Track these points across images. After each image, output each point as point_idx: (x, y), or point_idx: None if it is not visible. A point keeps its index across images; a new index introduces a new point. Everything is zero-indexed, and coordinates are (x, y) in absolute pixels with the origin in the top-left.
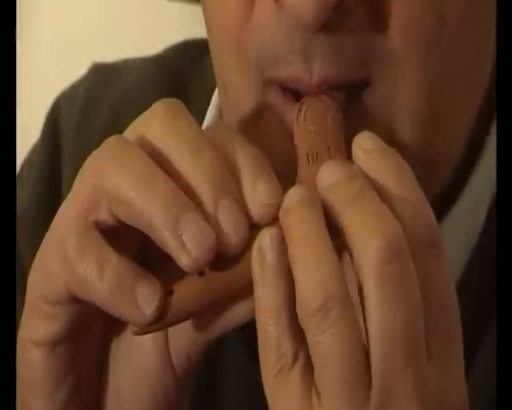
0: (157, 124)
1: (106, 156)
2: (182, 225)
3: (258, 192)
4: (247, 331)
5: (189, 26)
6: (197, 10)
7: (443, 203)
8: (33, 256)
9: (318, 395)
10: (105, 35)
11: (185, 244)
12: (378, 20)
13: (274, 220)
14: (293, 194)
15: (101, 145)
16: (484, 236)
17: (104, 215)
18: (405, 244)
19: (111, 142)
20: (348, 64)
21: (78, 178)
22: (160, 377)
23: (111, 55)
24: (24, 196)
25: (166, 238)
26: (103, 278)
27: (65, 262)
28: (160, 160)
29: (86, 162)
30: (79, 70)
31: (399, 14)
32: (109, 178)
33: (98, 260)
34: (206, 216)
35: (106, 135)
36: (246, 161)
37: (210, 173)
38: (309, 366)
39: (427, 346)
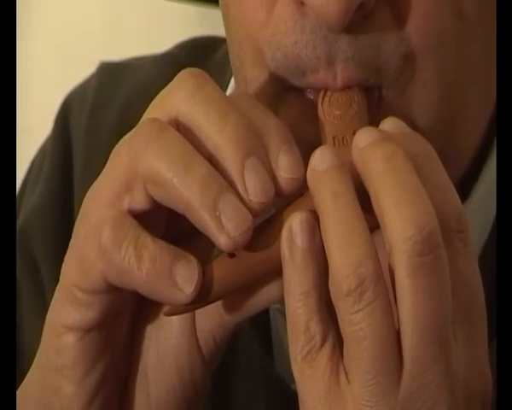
0: (184, 90)
1: (142, 138)
2: (220, 206)
3: (280, 165)
4: (261, 328)
5: (189, 26)
6: (197, 10)
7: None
8: (45, 251)
9: (346, 374)
10: (104, 35)
11: (224, 225)
12: (397, 19)
13: (299, 190)
14: (322, 156)
15: (136, 127)
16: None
17: (139, 197)
18: (440, 236)
19: (146, 124)
20: (368, 67)
21: (110, 160)
22: (186, 359)
23: (110, 55)
24: (35, 194)
25: (205, 219)
26: (142, 263)
27: (101, 251)
28: (189, 127)
29: (119, 144)
30: (79, 70)
31: (417, 13)
32: (146, 160)
33: (135, 247)
34: (234, 176)
35: (117, 132)
36: (269, 130)
37: (236, 134)
38: (337, 347)
39: (454, 331)
